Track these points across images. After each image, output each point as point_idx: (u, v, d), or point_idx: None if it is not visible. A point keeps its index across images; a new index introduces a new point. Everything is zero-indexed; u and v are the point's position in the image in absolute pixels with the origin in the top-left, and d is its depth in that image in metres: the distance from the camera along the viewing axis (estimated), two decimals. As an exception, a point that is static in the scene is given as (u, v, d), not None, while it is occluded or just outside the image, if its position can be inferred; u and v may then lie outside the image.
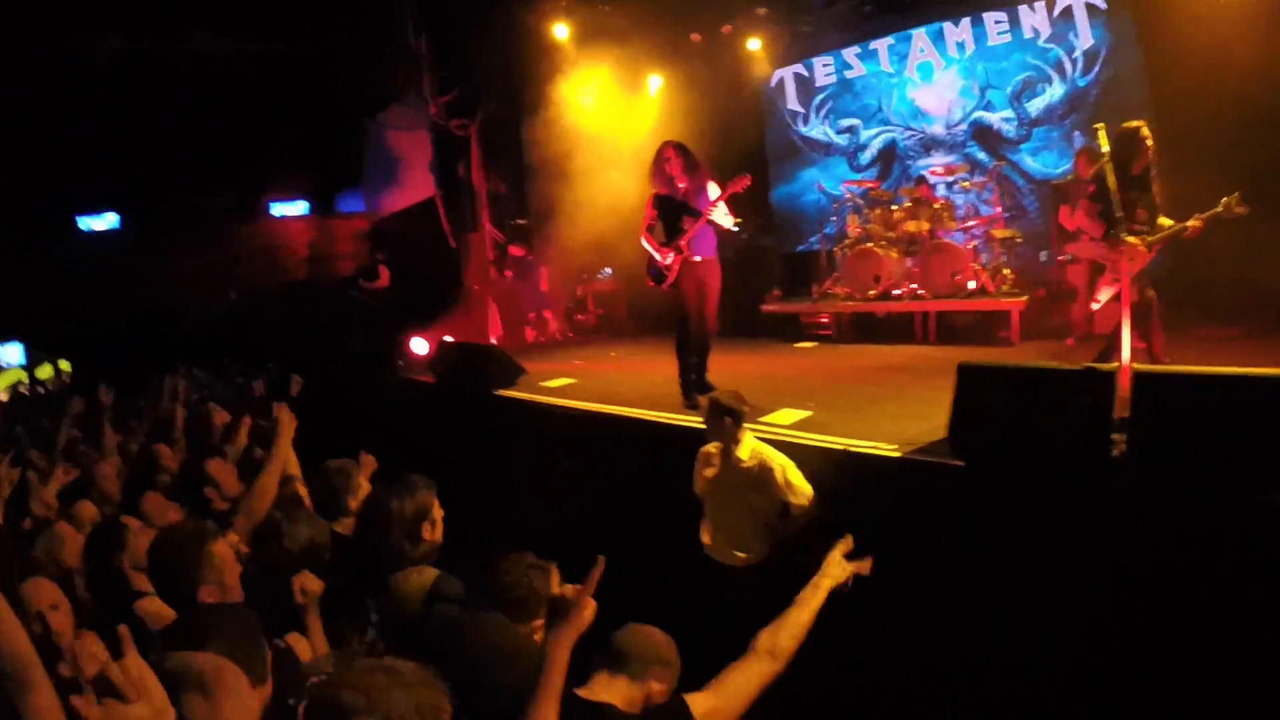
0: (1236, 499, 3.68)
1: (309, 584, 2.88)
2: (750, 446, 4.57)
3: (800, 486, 4.47)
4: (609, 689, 2.57)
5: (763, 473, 4.48)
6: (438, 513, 3.28)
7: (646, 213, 6.69)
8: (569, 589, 2.32)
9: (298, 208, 17.14)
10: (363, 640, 2.92)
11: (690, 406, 6.31)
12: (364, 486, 3.83)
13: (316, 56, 13.08)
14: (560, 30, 12.03)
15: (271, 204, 16.88)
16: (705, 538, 4.76)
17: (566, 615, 2.25)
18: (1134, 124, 5.88)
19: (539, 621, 2.61)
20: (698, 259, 6.50)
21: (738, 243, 11.69)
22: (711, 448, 4.73)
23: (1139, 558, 3.80)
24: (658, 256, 6.57)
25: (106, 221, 16.19)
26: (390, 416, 8.53)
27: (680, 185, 6.50)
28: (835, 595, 2.91)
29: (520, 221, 13.18)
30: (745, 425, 4.59)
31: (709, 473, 4.72)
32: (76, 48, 12.33)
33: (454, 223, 12.59)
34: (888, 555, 4.26)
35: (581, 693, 2.53)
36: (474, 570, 2.90)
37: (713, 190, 6.48)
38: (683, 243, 6.44)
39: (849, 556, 3.01)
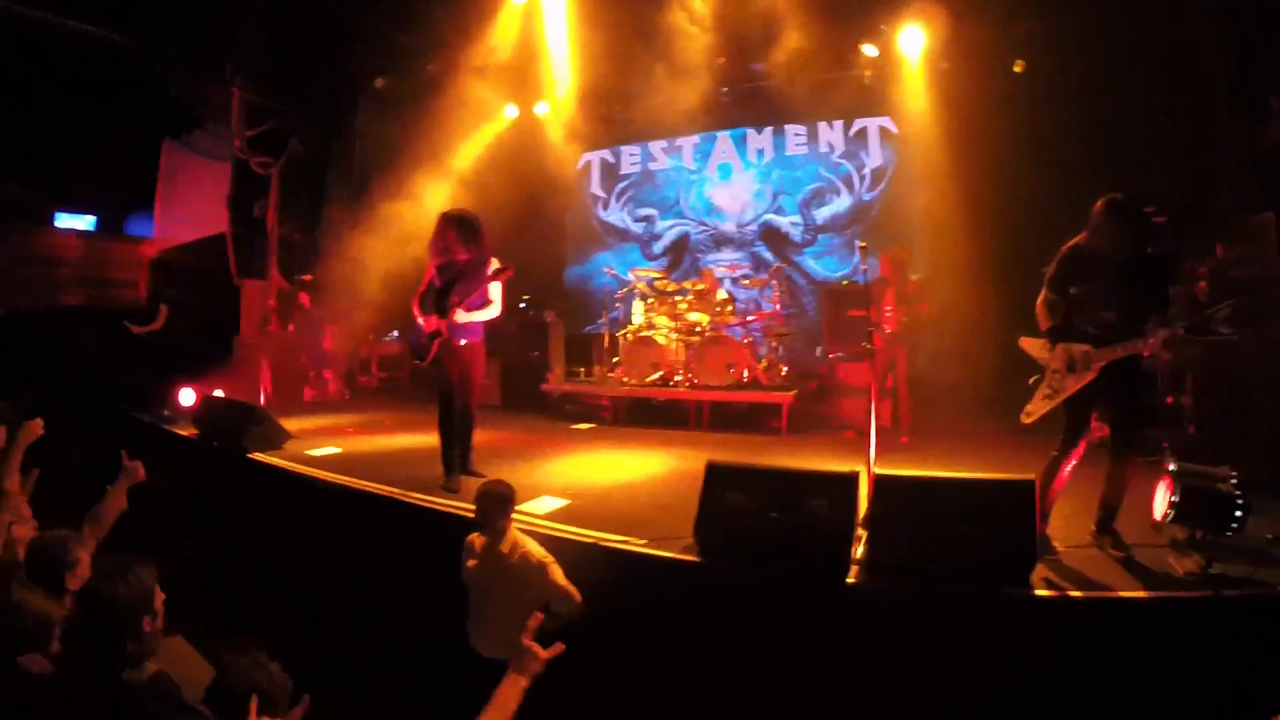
0: (961, 590, 3.98)
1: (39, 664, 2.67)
2: (512, 540, 4.39)
3: (563, 585, 4.29)
4: None
5: (523, 568, 4.30)
6: (159, 601, 3.00)
7: (423, 279, 6.50)
8: None
9: (84, 222, 15.75)
10: None
11: (448, 489, 6.17)
12: (82, 560, 3.47)
13: (128, 56, 12.12)
14: (377, 84, 11.85)
15: (57, 213, 15.40)
16: (470, 626, 4.52)
17: None
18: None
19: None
20: (462, 342, 6.34)
21: (523, 318, 11.74)
22: (475, 538, 4.53)
23: (872, 649, 4.00)
24: (420, 323, 6.40)
25: None
26: (147, 467, 7.93)
27: (460, 258, 6.32)
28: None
29: (306, 277, 12.64)
30: (495, 517, 4.41)
31: (471, 564, 4.50)
32: None
33: (241, 266, 11.99)
34: (627, 648, 4.35)
35: None
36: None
37: (490, 272, 6.34)
38: (444, 326, 6.27)
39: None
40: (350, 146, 12.89)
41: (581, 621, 4.26)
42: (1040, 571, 4.13)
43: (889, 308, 8.48)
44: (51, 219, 15.31)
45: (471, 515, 5.29)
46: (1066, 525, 4.74)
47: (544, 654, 2.70)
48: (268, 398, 10.87)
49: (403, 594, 5.32)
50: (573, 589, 4.31)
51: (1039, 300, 4.86)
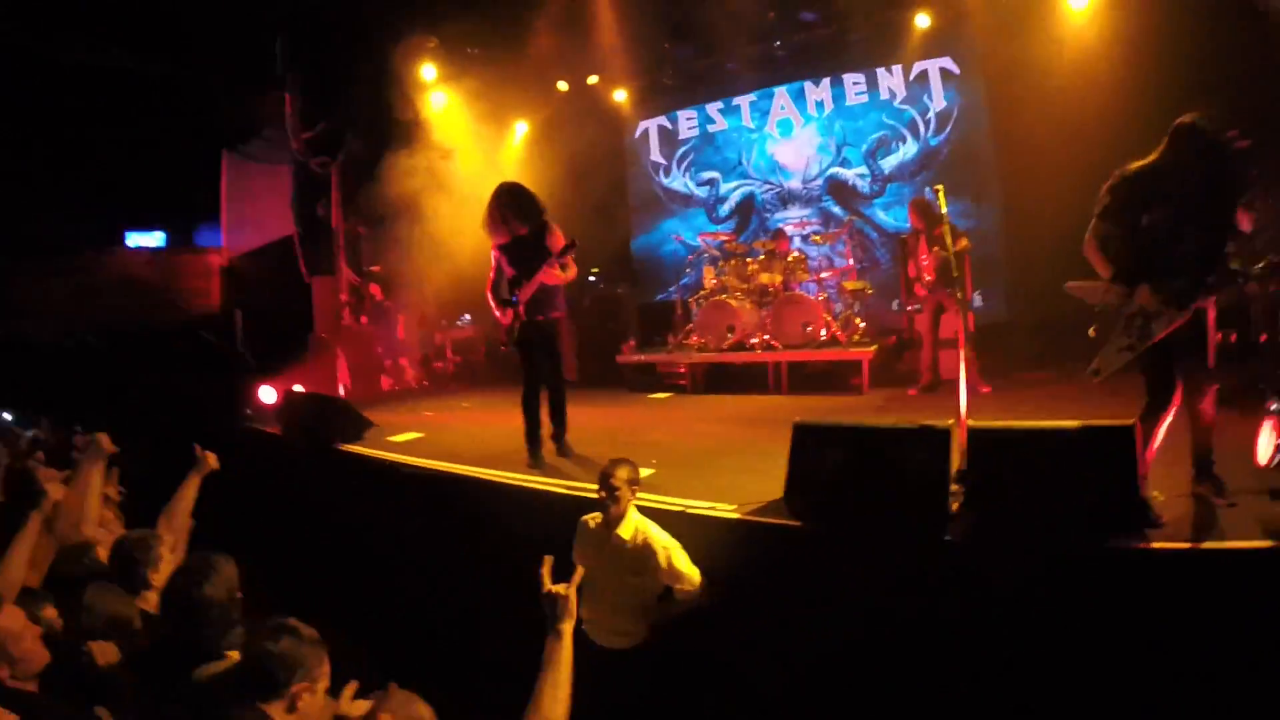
0: (1063, 544, 3.79)
1: (108, 653, 2.71)
2: (634, 525, 4.21)
3: (686, 572, 4.15)
4: None
5: (644, 554, 4.13)
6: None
7: (491, 266, 6.38)
8: None
9: (154, 238, 16.24)
10: None
11: (534, 466, 6.15)
12: (165, 558, 3.54)
13: (180, 75, 12.40)
14: (428, 71, 11.84)
15: (128, 232, 15.92)
16: (583, 614, 4.31)
17: None
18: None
19: (297, 686, 2.43)
20: (540, 319, 6.21)
21: (595, 291, 11.67)
22: (590, 520, 4.37)
23: (972, 608, 3.85)
24: (498, 314, 6.34)
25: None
26: (234, 466, 8.14)
27: (520, 232, 6.17)
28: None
29: (374, 268, 12.79)
30: (619, 496, 4.19)
31: (587, 546, 4.34)
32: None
33: (310, 264, 12.16)
34: (725, 616, 4.27)
35: None
36: None
37: (554, 240, 6.18)
38: (520, 308, 6.16)
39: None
40: (405, 137, 12.93)
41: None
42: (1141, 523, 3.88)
43: (924, 256, 8.24)
44: (123, 239, 15.79)
45: (564, 491, 5.27)
46: (1167, 473, 4.37)
47: (566, 589, 2.54)
48: (347, 389, 11.03)
49: (494, 574, 5.30)
50: (696, 574, 4.18)
51: (1088, 236, 4.37)
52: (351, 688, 2.14)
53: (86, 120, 13.21)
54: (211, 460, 4.40)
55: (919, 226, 8.47)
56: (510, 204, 6.16)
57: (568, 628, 2.47)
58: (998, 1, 9.98)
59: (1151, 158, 4.30)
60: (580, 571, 2.62)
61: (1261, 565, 3.56)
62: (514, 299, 6.19)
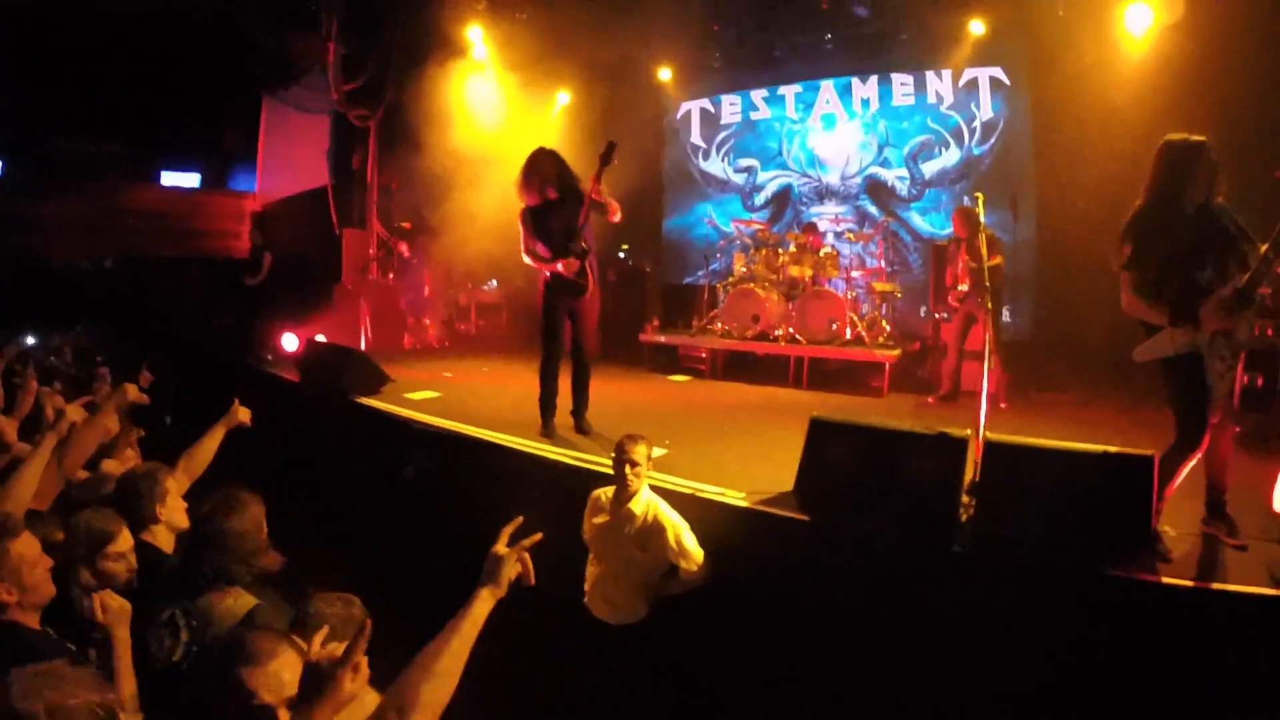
0: (1070, 568, 3.78)
1: (109, 601, 2.67)
2: (646, 502, 4.25)
3: (692, 551, 4.17)
4: None
5: (652, 531, 4.17)
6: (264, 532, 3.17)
7: (522, 231, 6.21)
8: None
9: (189, 178, 16.37)
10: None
11: (546, 435, 6.16)
12: (171, 491, 3.57)
13: (225, 16, 12.42)
14: (473, 33, 11.79)
15: (163, 170, 16.05)
16: (586, 586, 4.43)
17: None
18: None
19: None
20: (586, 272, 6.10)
21: (621, 268, 11.62)
22: (603, 494, 4.40)
23: (975, 620, 3.83)
24: (560, 267, 6.03)
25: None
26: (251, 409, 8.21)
27: (551, 196, 6.09)
28: (516, 586, 2.32)
29: (405, 225, 12.81)
30: (634, 472, 4.21)
31: (597, 520, 4.37)
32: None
33: (341, 216, 12.21)
34: (726, 602, 4.28)
35: None
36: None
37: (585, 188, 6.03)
38: (578, 251, 5.98)
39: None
40: (447, 96, 12.91)
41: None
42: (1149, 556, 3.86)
43: (962, 265, 8.18)
44: (157, 177, 15.90)
45: (574, 462, 5.28)
46: (1179, 509, 4.26)
47: (512, 555, 2.29)
48: (368, 343, 11.09)
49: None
50: (700, 554, 4.20)
51: (1127, 294, 4.15)
52: (322, 633, 2.15)
53: (130, 56, 13.26)
54: (243, 415, 4.38)
55: (961, 235, 8.34)
56: (545, 168, 6.10)
57: (492, 594, 2.25)
58: (1055, 18, 9.80)
59: (1145, 187, 4.21)
60: (538, 537, 2.37)
61: (1265, 612, 3.51)
62: (571, 247, 6.01)
